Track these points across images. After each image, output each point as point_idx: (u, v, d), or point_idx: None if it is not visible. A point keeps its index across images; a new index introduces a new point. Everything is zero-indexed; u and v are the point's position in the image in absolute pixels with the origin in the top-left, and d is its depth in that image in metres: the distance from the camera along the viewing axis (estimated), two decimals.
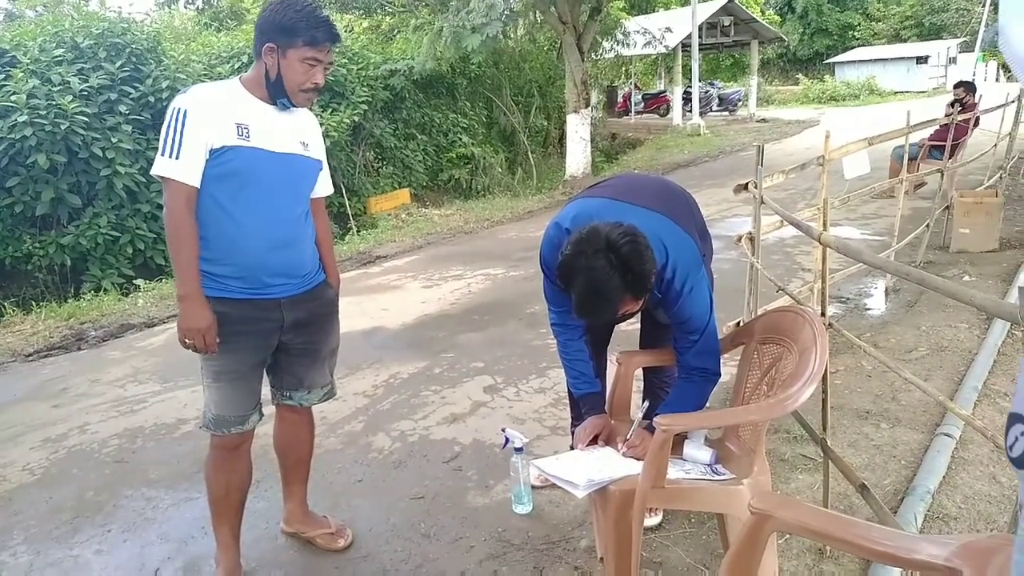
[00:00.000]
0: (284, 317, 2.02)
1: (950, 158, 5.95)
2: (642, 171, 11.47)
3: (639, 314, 1.99)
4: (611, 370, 2.29)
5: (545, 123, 14.96)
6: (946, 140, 5.81)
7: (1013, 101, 6.81)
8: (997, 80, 29.74)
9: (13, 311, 5.96)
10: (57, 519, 2.66)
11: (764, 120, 20.27)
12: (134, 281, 7.01)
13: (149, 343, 4.82)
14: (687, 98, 19.75)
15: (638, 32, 14.43)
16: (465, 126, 12.87)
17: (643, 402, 2.19)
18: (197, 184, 1.84)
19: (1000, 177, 6.54)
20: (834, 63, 34.00)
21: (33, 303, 6.44)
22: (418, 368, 3.99)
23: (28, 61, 7.37)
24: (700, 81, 19.73)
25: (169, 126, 1.82)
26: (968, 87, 7.23)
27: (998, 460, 2.57)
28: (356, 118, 10.32)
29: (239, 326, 1.95)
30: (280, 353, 2.10)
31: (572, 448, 2.07)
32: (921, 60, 31.30)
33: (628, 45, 13.87)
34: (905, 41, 34.71)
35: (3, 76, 7.18)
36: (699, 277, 1.86)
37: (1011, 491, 2.37)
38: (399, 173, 11.53)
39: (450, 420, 3.31)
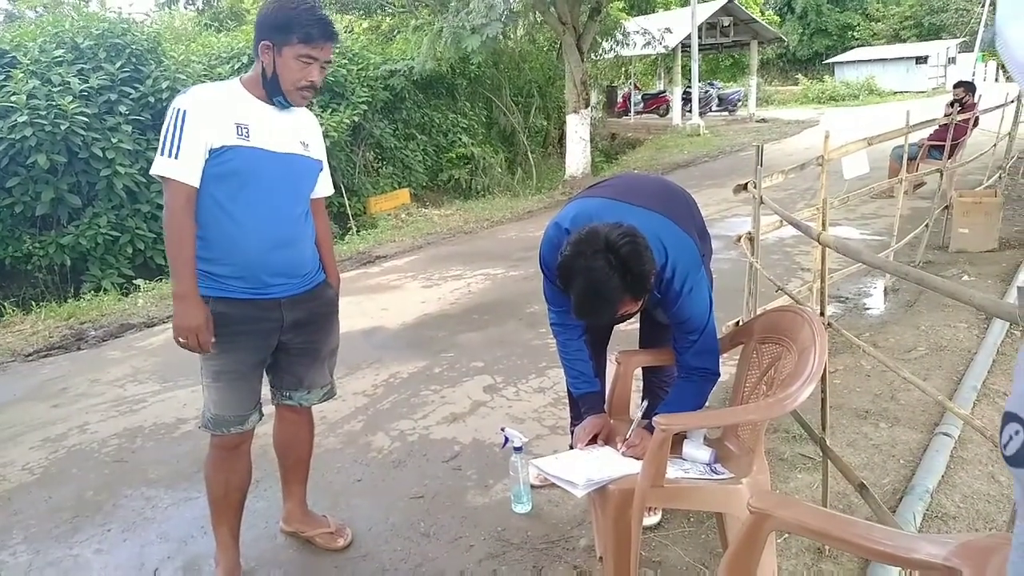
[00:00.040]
0: (284, 317, 2.02)
1: (949, 158, 5.95)
2: (642, 171, 11.47)
3: (638, 314, 1.99)
4: (610, 370, 2.30)
5: (545, 123, 14.96)
6: (945, 140, 5.82)
7: (1012, 101, 6.82)
8: (996, 80, 29.74)
9: (13, 311, 5.96)
10: (57, 518, 2.67)
11: (763, 120, 20.28)
12: (134, 281, 7.01)
13: (149, 343, 4.82)
14: (687, 98, 19.76)
15: (638, 32, 14.43)
16: (465, 126, 12.88)
17: (642, 401, 2.19)
18: (196, 184, 1.84)
19: (999, 177, 6.54)
20: (833, 63, 34.02)
21: (33, 303, 6.44)
22: (418, 368, 3.99)
23: (28, 62, 7.37)
24: (700, 81, 19.73)
25: (169, 126, 1.82)
26: (968, 87, 7.23)
27: (997, 459, 2.57)
28: (356, 118, 10.33)
29: (239, 326, 1.95)
30: (280, 353, 2.10)
31: (571, 447, 2.07)
32: (920, 60, 31.32)
33: (628, 45, 13.87)
34: (904, 41, 34.73)
35: (3, 77, 7.18)
36: (698, 277, 1.86)
37: (1010, 490, 2.38)
38: (399, 173, 11.53)
39: (450, 420, 3.31)
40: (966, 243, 5.43)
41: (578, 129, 11.03)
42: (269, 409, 2.22)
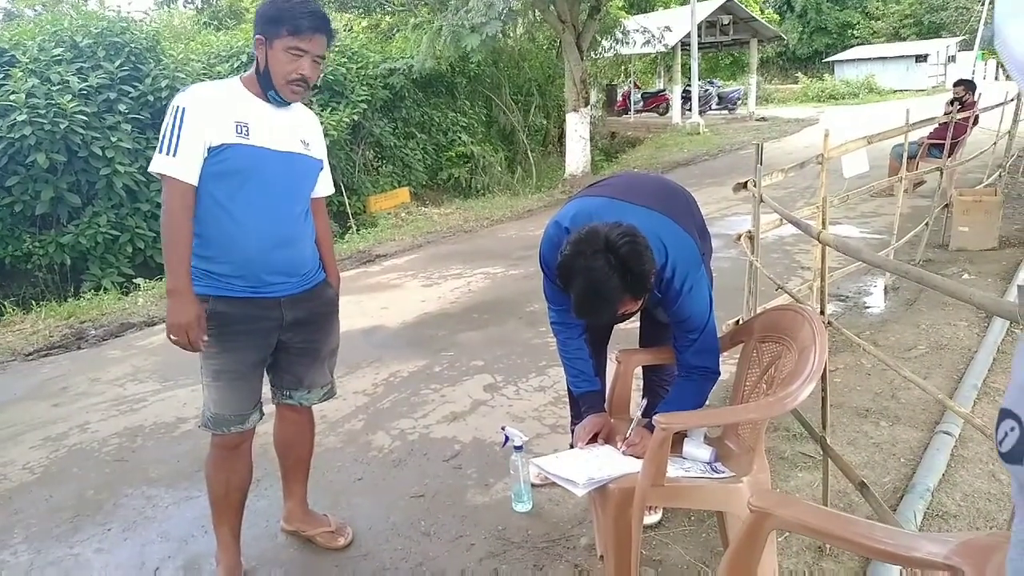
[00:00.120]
0: (284, 316, 2.02)
1: (949, 156, 5.95)
2: (641, 170, 11.48)
3: (639, 313, 1.99)
4: (611, 368, 2.30)
5: (544, 122, 14.95)
6: (945, 138, 5.81)
7: (1012, 99, 6.81)
8: (996, 78, 29.72)
9: (13, 310, 5.96)
10: (57, 518, 2.67)
11: (763, 119, 20.27)
12: (134, 280, 7.00)
13: (149, 342, 4.82)
14: (686, 97, 19.76)
15: (637, 31, 14.42)
16: (464, 125, 12.87)
17: (642, 400, 2.19)
18: (194, 182, 1.84)
19: (999, 175, 6.54)
20: (833, 62, 34.01)
21: (33, 302, 6.44)
22: (418, 367, 3.99)
23: (27, 60, 7.36)
24: (699, 80, 19.72)
25: (168, 124, 1.83)
26: (968, 85, 7.23)
27: (997, 458, 2.56)
28: (355, 117, 10.32)
29: (239, 325, 1.95)
30: (280, 352, 2.10)
31: (572, 446, 2.07)
32: (920, 58, 31.32)
33: (627, 44, 13.87)
34: (904, 39, 34.72)
35: (2, 75, 7.17)
36: (699, 276, 1.86)
37: (1010, 488, 2.37)
38: (399, 172, 11.53)
39: (450, 418, 3.31)
40: (966, 241, 5.43)
41: (578, 128, 11.03)
42: (270, 408, 2.22)
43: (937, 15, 34.38)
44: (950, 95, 7.31)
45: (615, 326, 2.35)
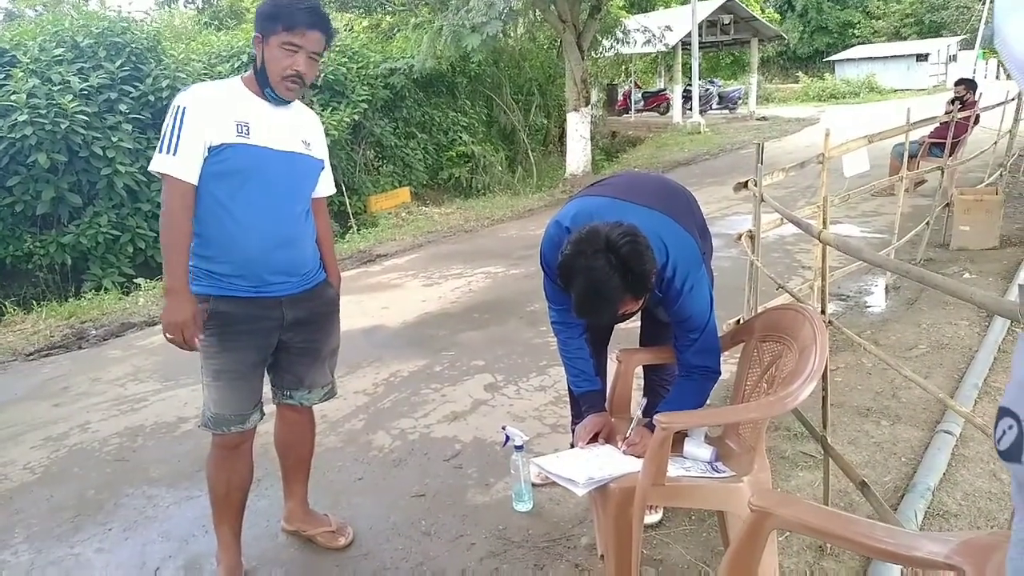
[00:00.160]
0: (284, 315, 2.02)
1: (950, 156, 5.95)
2: (642, 169, 11.47)
3: (639, 312, 1.99)
4: (611, 368, 2.30)
5: (545, 121, 14.95)
6: (946, 138, 5.81)
7: (1013, 99, 6.81)
8: (997, 78, 29.70)
9: (14, 310, 5.96)
10: (58, 518, 2.67)
11: (764, 118, 20.27)
12: (135, 280, 7.00)
13: (150, 342, 4.82)
14: (687, 96, 19.76)
15: (638, 30, 14.41)
16: (465, 125, 12.87)
17: (643, 400, 2.19)
18: (194, 181, 1.85)
19: (1000, 175, 6.54)
20: (834, 61, 33.99)
21: (34, 302, 6.45)
22: (418, 366, 3.99)
23: (28, 60, 7.36)
24: (700, 79, 19.72)
25: (169, 123, 1.83)
26: (969, 84, 7.23)
27: (998, 457, 2.56)
28: (356, 117, 10.32)
29: (240, 325, 1.95)
30: (280, 352, 2.10)
31: (572, 446, 2.07)
32: (921, 58, 31.30)
33: (628, 43, 13.86)
34: (905, 39, 34.70)
35: (3, 75, 7.18)
36: (699, 276, 1.86)
37: (1011, 488, 2.37)
38: (399, 172, 11.53)
39: (451, 418, 3.31)
40: (967, 241, 5.43)
41: (578, 127, 11.03)
42: (270, 408, 2.22)
43: (938, 14, 34.35)
44: (951, 94, 7.31)
45: (616, 326, 2.35)
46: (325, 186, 2.17)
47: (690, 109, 18.95)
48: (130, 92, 7.79)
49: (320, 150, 2.09)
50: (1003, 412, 0.60)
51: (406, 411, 3.42)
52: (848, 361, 3.55)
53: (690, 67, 18.62)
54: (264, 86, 1.92)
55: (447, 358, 4.10)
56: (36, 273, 7.18)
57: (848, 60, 33.10)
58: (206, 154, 1.85)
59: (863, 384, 3.30)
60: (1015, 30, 0.58)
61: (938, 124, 5.91)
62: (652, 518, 2.32)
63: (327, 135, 2.24)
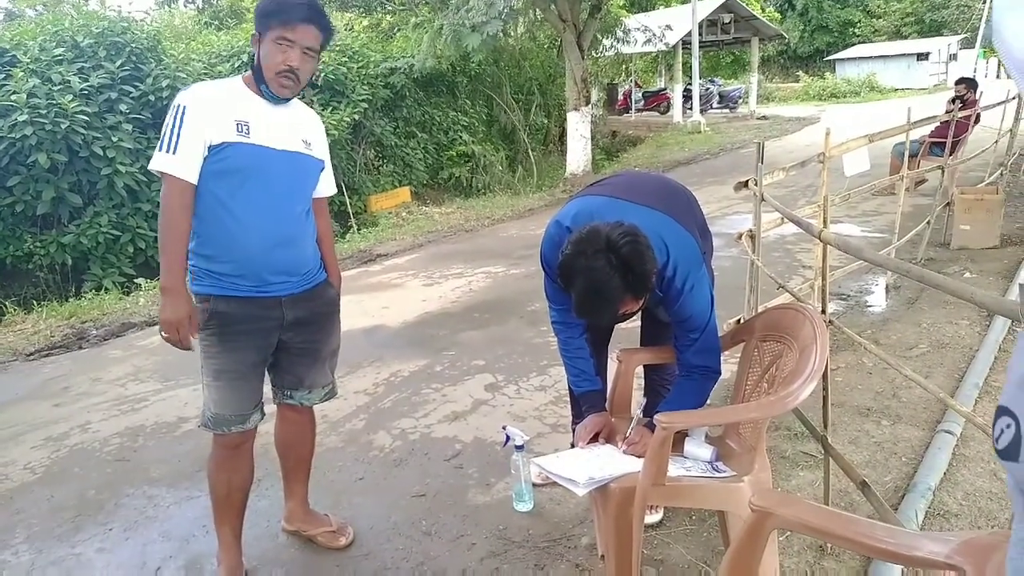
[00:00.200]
0: (285, 315, 2.02)
1: (951, 155, 5.95)
2: (643, 169, 11.47)
3: (639, 312, 1.99)
4: (612, 368, 2.30)
5: (545, 121, 14.95)
6: (947, 137, 5.81)
7: (1014, 98, 6.80)
8: (998, 77, 29.66)
9: (14, 310, 5.96)
10: (59, 517, 2.67)
11: (764, 117, 20.27)
12: (135, 280, 7.00)
13: (150, 342, 4.82)
14: (687, 95, 19.74)
15: (638, 30, 14.41)
16: (465, 124, 12.86)
17: (643, 400, 2.19)
18: (193, 180, 1.85)
19: (1001, 174, 6.53)
20: (834, 60, 33.97)
21: (34, 302, 6.45)
22: (419, 366, 3.99)
23: (28, 60, 7.36)
24: (700, 78, 19.72)
25: (169, 122, 1.84)
26: (969, 84, 7.23)
27: (996, 456, 2.56)
28: (356, 116, 10.32)
29: (240, 324, 1.95)
30: (281, 352, 2.10)
31: (573, 446, 2.07)
32: (922, 57, 31.26)
33: (628, 43, 13.86)
34: (906, 38, 34.67)
35: (3, 75, 7.18)
36: (700, 275, 1.86)
37: None
38: (399, 171, 11.52)
39: (451, 418, 3.31)
40: (968, 240, 5.42)
41: (579, 127, 11.02)
42: (271, 408, 2.22)
43: (939, 13, 34.31)
44: (952, 93, 7.30)
45: (616, 325, 2.35)
46: (326, 186, 2.17)
47: (690, 108, 18.94)
48: (130, 92, 7.79)
49: (321, 150, 2.09)
50: (1001, 411, 0.60)
51: (407, 411, 3.42)
52: (849, 361, 3.55)
53: (690, 66, 18.62)
54: (260, 83, 1.92)
55: (448, 358, 4.10)
56: (36, 273, 7.19)
57: (849, 59, 33.08)
58: (206, 153, 1.85)
59: (864, 384, 3.30)
60: (1013, 29, 0.58)
61: (939, 123, 5.91)
62: (653, 518, 2.32)
63: (327, 135, 2.24)
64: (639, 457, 1.83)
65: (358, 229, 9.22)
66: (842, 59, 33.44)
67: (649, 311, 2.18)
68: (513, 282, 5.69)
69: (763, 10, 29.63)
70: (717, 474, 1.81)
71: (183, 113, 1.82)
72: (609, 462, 1.85)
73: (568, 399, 2.69)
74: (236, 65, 9.69)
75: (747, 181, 3.17)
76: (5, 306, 6.17)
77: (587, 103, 11.16)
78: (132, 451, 3.20)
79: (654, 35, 15.15)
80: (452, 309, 5.09)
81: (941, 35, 33.11)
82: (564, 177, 11.43)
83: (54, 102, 6.97)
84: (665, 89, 23.42)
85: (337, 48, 10.72)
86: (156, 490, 2.83)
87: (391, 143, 11.38)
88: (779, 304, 2.92)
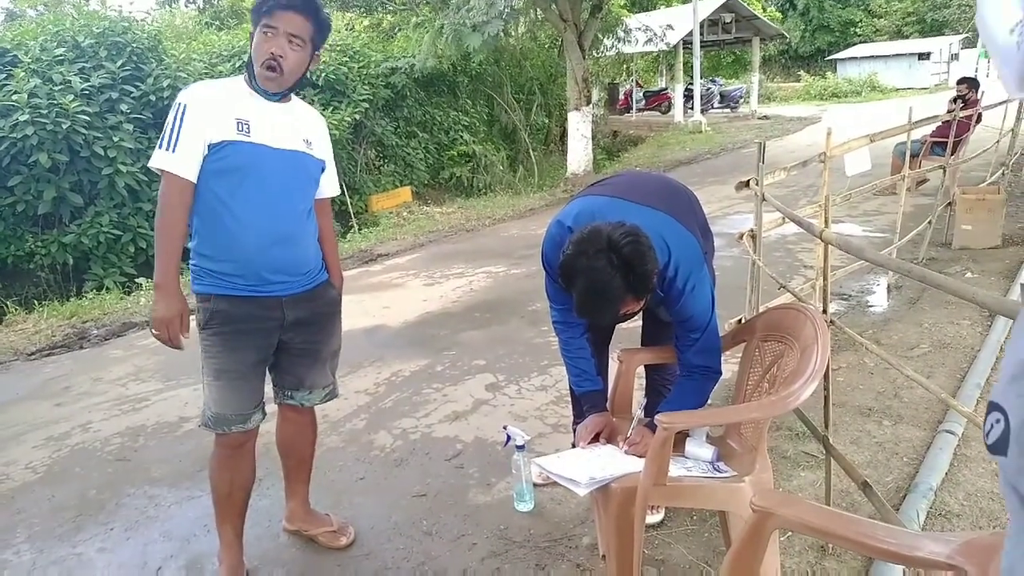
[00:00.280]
0: (285, 316, 2.02)
1: (952, 155, 5.94)
2: (644, 168, 11.47)
3: (641, 312, 1.98)
4: (613, 368, 2.29)
5: (546, 121, 14.94)
6: (948, 136, 5.81)
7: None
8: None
9: (15, 310, 5.97)
10: (60, 517, 2.67)
11: (766, 117, 20.25)
12: (136, 280, 7.01)
13: (151, 341, 4.82)
14: (688, 95, 19.74)
15: (639, 29, 14.41)
16: (466, 124, 12.86)
17: (644, 399, 2.19)
18: (192, 178, 1.85)
19: (1003, 173, 6.53)
20: (836, 60, 33.93)
21: (35, 302, 6.46)
22: (420, 366, 3.99)
23: (29, 60, 7.37)
24: (701, 78, 19.71)
25: (170, 120, 1.85)
26: (971, 83, 7.22)
27: (987, 451, 2.56)
28: (357, 116, 10.33)
29: (241, 324, 1.95)
30: (281, 352, 2.10)
31: (574, 446, 2.07)
32: (923, 56, 31.23)
33: (629, 42, 13.87)
34: (907, 37, 34.63)
35: (5, 75, 7.18)
36: (701, 275, 1.86)
37: None
38: (400, 171, 11.53)
39: (452, 418, 3.31)
40: (969, 240, 5.42)
41: (580, 126, 11.02)
42: (273, 408, 2.22)
43: (940, 13, 34.25)
44: (953, 93, 7.30)
45: (617, 325, 2.35)
46: (329, 187, 2.16)
47: (691, 108, 18.94)
48: (131, 92, 7.80)
49: (322, 150, 2.08)
50: (992, 407, 0.60)
51: (407, 411, 3.42)
52: (850, 361, 3.55)
53: (691, 66, 18.62)
54: (252, 78, 1.92)
55: (448, 358, 4.10)
56: (38, 273, 7.19)
57: (850, 59, 33.04)
58: (206, 152, 1.85)
59: (865, 384, 3.29)
60: (996, 14, 0.58)
61: (940, 123, 5.90)
62: (654, 518, 2.32)
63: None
64: (640, 457, 1.83)
65: (359, 229, 9.22)
66: (843, 59, 33.41)
67: (650, 311, 2.18)
68: (514, 282, 5.69)
69: (764, 10, 29.60)
70: (718, 474, 1.81)
71: (184, 112, 1.83)
72: (610, 462, 1.85)
73: (569, 399, 2.69)
74: (237, 65, 9.70)
75: (748, 181, 3.17)
76: (6, 306, 6.17)
77: (588, 103, 11.16)
78: (133, 451, 3.20)
79: (655, 35, 15.15)
80: (453, 309, 5.09)
81: (942, 35, 33.07)
82: (565, 177, 11.43)
83: (55, 102, 6.98)
84: (666, 89, 23.41)
85: (338, 48, 10.72)
86: (157, 490, 2.83)
87: (392, 143, 11.38)
88: (780, 304, 2.92)
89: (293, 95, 2.04)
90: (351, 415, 3.40)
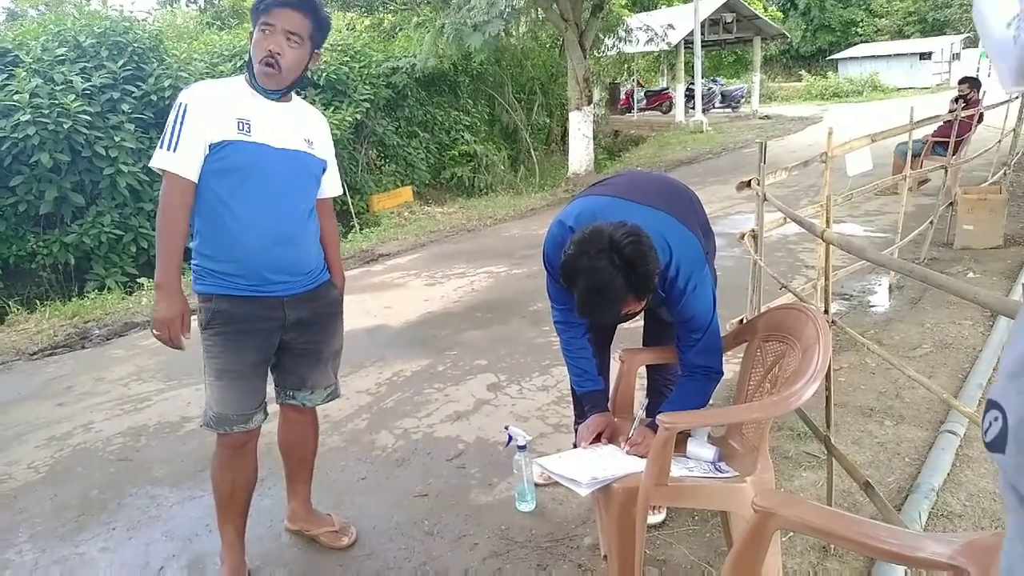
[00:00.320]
0: (287, 316, 2.02)
1: (954, 154, 5.93)
2: (645, 168, 11.46)
3: (642, 312, 1.98)
4: (614, 368, 2.29)
5: (547, 120, 14.93)
6: (950, 136, 5.80)
7: (1017, 97, 6.78)
8: None
9: (17, 310, 5.98)
10: (62, 517, 2.67)
11: (767, 117, 20.24)
12: (137, 279, 7.02)
13: (153, 341, 4.79)
14: (690, 95, 19.72)
15: (640, 29, 14.40)
16: (467, 124, 12.86)
17: (646, 400, 2.19)
18: (192, 178, 1.85)
19: (1004, 173, 6.51)
20: (837, 59, 33.90)
21: (37, 302, 6.47)
22: (421, 366, 3.99)
23: (31, 60, 7.38)
24: (703, 78, 19.69)
25: (171, 120, 1.85)
26: (972, 83, 7.21)
27: (985, 449, 2.56)
28: (358, 116, 10.33)
29: (242, 324, 1.95)
30: (283, 353, 2.10)
31: (575, 446, 2.07)
32: (924, 56, 31.19)
33: (630, 42, 13.86)
34: (908, 37, 34.59)
35: (6, 75, 7.19)
36: (702, 275, 1.86)
37: None
38: (402, 171, 11.53)
39: (453, 418, 3.31)
40: (971, 240, 5.41)
41: (581, 126, 11.02)
42: (275, 408, 2.22)
43: (941, 12, 34.20)
44: (954, 92, 7.29)
45: (619, 325, 2.35)
46: (331, 187, 2.16)
47: (693, 108, 18.92)
48: (132, 92, 7.81)
49: (324, 150, 2.08)
50: (990, 404, 0.60)
51: (409, 411, 3.42)
52: (852, 361, 3.54)
53: (693, 66, 18.61)
54: (252, 77, 1.92)
55: (450, 358, 4.10)
56: (39, 273, 7.20)
57: (851, 58, 33.01)
58: (207, 151, 1.85)
59: (867, 384, 3.29)
60: (991, 5, 0.57)
61: (942, 123, 5.90)
62: (655, 518, 2.32)
63: None
64: (642, 457, 1.83)
65: (360, 229, 9.23)
66: (844, 58, 33.37)
67: (652, 311, 2.18)
68: (515, 282, 5.69)
69: (765, 9, 29.58)
70: (720, 474, 1.81)
71: (184, 111, 1.83)
72: (612, 462, 1.85)
73: (570, 399, 2.69)
74: (238, 65, 9.71)
75: (749, 181, 3.17)
76: (8, 306, 6.18)
77: (589, 102, 11.16)
78: (135, 451, 3.20)
79: (656, 35, 15.14)
80: (454, 309, 5.09)
81: (944, 34, 33.02)
82: (566, 177, 11.43)
83: (56, 102, 6.99)
84: (667, 88, 23.40)
85: (339, 48, 10.73)
86: (159, 490, 2.83)
87: (393, 143, 11.38)
88: (782, 304, 2.92)
89: (294, 95, 2.04)
90: (353, 415, 3.40)
